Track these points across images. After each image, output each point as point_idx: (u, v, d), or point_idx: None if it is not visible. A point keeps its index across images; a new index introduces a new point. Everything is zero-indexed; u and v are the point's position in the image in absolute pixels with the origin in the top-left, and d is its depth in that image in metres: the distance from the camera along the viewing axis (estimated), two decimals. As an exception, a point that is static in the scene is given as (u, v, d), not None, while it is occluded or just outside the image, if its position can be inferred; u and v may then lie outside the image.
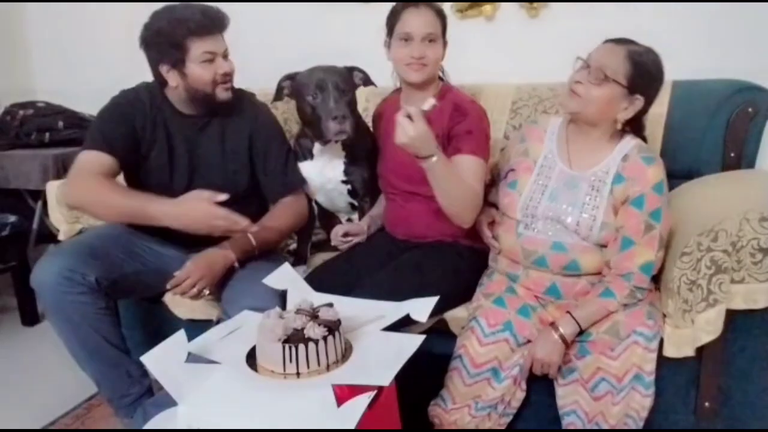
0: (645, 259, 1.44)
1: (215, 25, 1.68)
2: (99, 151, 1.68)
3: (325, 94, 1.74)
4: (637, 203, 1.46)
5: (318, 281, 1.62)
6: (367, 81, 1.86)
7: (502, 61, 2.23)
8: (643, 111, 1.51)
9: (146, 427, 1.28)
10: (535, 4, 2.17)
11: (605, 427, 1.44)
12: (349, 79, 1.81)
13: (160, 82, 1.74)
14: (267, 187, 1.86)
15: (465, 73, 1.92)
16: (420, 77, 1.69)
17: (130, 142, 1.72)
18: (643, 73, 1.45)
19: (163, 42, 1.66)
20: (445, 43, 1.72)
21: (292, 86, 1.83)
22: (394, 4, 1.72)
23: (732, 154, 1.79)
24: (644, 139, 1.58)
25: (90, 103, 2.79)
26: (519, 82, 2.10)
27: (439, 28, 1.68)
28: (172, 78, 1.70)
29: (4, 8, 3.00)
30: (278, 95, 1.86)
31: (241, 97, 1.83)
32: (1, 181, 2.67)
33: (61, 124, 2.75)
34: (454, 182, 1.56)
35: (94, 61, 2.93)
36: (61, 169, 2.55)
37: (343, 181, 1.91)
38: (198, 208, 1.58)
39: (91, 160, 1.67)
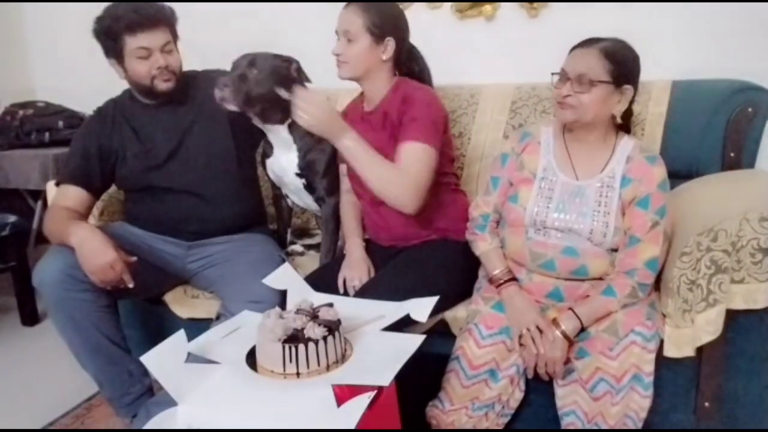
0: (650, 255, 1.44)
1: (149, 21, 1.70)
2: (67, 184, 1.82)
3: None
4: (642, 204, 1.46)
5: (318, 282, 1.62)
6: (300, 72, 1.80)
7: (502, 61, 2.22)
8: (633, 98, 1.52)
9: (146, 427, 1.28)
10: (535, 4, 2.17)
11: (605, 427, 1.44)
12: (276, 66, 1.75)
13: None
14: None
15: (465, 73, 1.92)
16: (341, 74, 1.69)
17: (95, 168, 1.83)
18: (622, 62, 1.45)
19: (104, 38, 1.73)
20: (376, 39, 1.63)
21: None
22: None
23: (732, 154, 1.79)
24: (628, 128, 1.58)
25: (90, 103, 2.77)
26: (519, 82, 2.09)
27: (358, 27, 1.61)
28: (119, 71, 1.77)
29: (4, 8, 3.00)
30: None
31: (196, 77, 1.88)
32: (1, 181, 2.67)
33: (61, 124, 2.75)
34: (376, 165, 1.56)
35: (93, 61, 2.91)
36: (61, 169, 2.54)
37: (297, 174, 1.90)
38: (104, 250, 1.59)
39: (59, 195, 1.83)
